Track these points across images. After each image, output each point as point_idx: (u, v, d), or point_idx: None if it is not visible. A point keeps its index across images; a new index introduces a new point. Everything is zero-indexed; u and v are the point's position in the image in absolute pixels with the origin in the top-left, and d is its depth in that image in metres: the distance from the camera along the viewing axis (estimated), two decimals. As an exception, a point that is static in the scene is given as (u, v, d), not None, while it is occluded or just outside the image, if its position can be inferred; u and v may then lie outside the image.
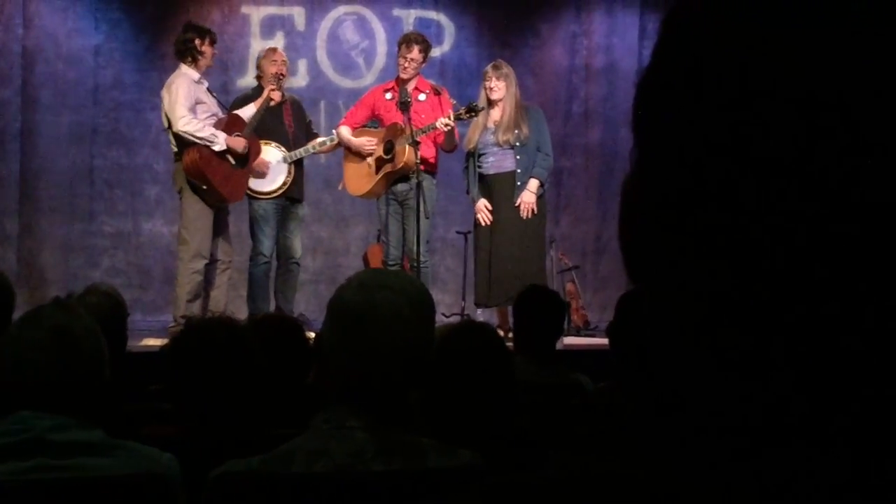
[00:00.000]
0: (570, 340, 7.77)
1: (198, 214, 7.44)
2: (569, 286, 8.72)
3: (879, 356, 0.52)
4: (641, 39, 10.08)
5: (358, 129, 7.80)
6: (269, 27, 9.78)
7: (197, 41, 7.46)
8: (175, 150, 7.46)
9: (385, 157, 7.57)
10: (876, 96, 0.52)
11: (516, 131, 7.45)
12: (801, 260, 0.52)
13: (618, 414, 3.10)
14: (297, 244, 7.97)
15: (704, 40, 0.57)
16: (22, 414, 2.26)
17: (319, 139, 7.96)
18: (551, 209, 8.91)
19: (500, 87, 7.47)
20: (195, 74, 7.45)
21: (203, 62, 7.50)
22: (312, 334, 4.19)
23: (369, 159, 7.66)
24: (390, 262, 7.70)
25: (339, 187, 8.16)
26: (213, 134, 7.29)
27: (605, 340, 4.25)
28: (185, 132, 7.23)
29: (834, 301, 0.52)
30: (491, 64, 7.71)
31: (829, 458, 0.53)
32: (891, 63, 0.53)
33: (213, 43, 7.58)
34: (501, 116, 7.49)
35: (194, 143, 7.25)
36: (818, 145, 0.52)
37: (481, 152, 7.59)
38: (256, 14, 9.79)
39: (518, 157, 7.50)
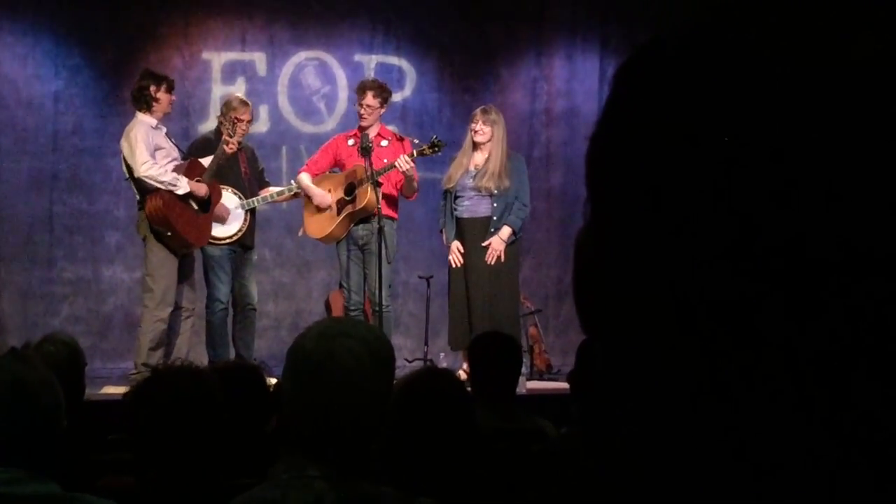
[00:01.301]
0: (532, 385, 7.78)
1: (162, 262, 7.40)
2: (531, 330, 8.73)
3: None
4: (601, 84, 10.16)
5: (319, 176, 7.80)
6: (231, 73, 9.78)
7: (152, 88, 7.43)
8: (138, 197, 7.43)
9: (346, 198, 7.57)
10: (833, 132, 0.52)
11: (496, 180, 7.37)
12: (780, 291, 0.52)
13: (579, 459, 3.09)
14: (254, 290, 7.95)
15: (669, 88, 0.57)
16: (-24, 467, 2.23)
17: (277, 188, 7.98)
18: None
19: (485, 132, 7.41)
20: (152, 121, 7.41)
21: (159, 108, 7.46)
22: (273, 381, 4.16)
23: (330, 200, 7.65)
24: (352, 309, 7.67)
25: (300, 234, 8.14)
26: (175, 177, 7.27)
27: (567, 385, 4.24)
28: (147, 177, 7.20)
29: (811, 341, 0.52)
30: (481, 107, 7.64)
31: (830, 483, 0.52)
32: (844, 93, 0.53)
33: (169, 90, 7.53)
34: (485, 162, 7.43)
35: (156, 190, 7.22)
36: (792, 194, 0.52)
37: (458, 194, 7.52)
38: (217, 60, 9.79)
39: (495, 204, 7.43)
